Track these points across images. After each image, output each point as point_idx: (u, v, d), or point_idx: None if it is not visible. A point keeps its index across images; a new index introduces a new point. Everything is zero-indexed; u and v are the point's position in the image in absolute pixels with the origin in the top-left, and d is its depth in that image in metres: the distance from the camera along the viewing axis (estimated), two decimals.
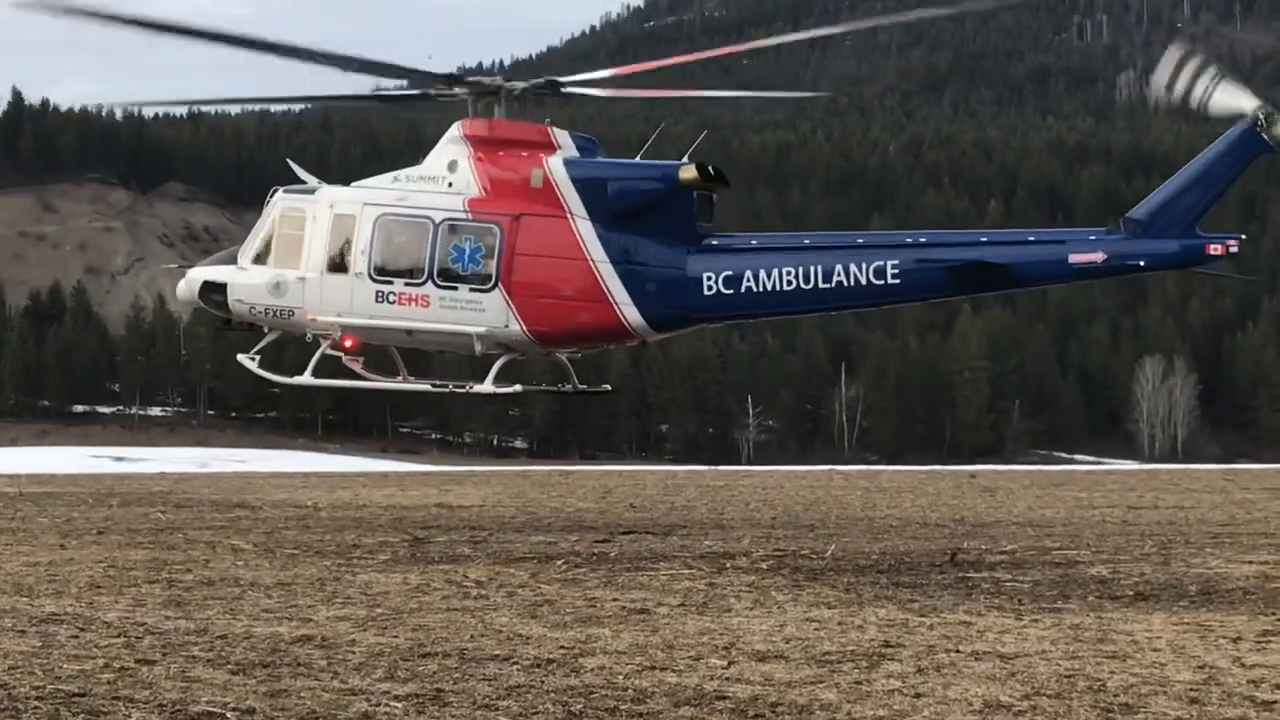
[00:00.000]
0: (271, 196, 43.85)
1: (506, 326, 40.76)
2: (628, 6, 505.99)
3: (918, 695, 18.49)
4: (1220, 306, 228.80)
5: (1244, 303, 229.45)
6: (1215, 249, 41.77)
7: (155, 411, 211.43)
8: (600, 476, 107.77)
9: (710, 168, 42.35)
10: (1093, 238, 41.94)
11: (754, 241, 42.36)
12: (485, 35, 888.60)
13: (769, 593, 29.60)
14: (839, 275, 39.61)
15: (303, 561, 36.31)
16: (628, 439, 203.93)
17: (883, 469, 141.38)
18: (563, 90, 45.05)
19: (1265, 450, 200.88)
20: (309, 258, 41.82)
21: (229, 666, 20.59)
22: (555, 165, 40.70)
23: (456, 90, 45.33)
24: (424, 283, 40.53)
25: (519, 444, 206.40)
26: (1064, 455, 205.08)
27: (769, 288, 40.10)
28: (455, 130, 42.71)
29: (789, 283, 39.92)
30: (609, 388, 57.25)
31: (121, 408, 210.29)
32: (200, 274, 43.73)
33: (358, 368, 42.32)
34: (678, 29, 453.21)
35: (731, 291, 40.00)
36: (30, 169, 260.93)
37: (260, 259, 41.99)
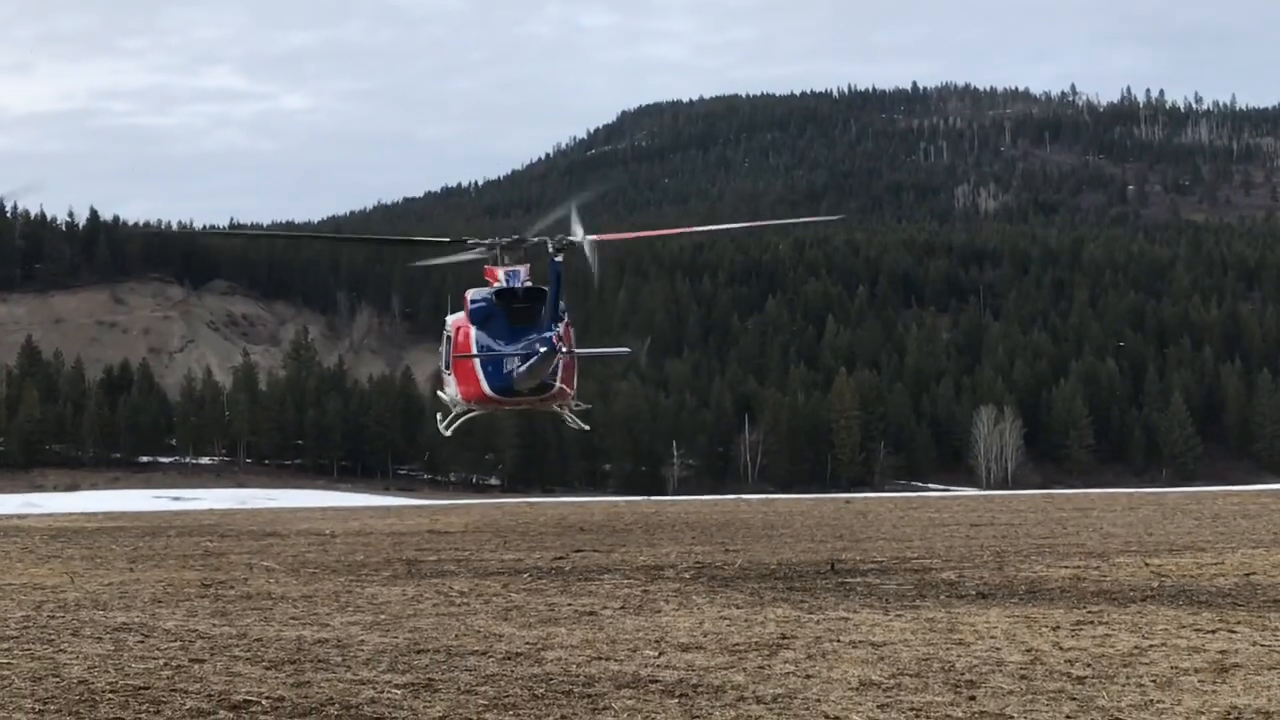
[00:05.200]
0: None
1: None
2: (574, 138, 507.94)
3: (808, 676, 18.46)
4: (1038, 367, 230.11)
5: (1056, 364, 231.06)
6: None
7: (204, 460, 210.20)
8: (557, 507, 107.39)
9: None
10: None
11: None
12: (463, 161, 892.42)
13: (690, 597, 29.53)
14: None
15: (321, 578, 36.07)
16: (579, 475, 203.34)
17: (777, 497, 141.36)
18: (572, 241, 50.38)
19: (1075, 478, 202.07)
20: None
21: (264, 663, 20.44)
22: None
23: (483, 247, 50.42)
24: None
25: (493, 481, 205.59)
26: (919, 484, 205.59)
27: None
28: None
29: None
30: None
31: (177, 458, 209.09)
32: None
33: None
34: (613, 154, 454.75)
35: None
36: (104, 271, 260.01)
37: None
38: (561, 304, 48.05)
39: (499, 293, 50.01)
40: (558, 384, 50.61)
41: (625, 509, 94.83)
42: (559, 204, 55.22)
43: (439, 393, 56.75)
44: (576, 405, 55.65)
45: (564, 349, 47.91)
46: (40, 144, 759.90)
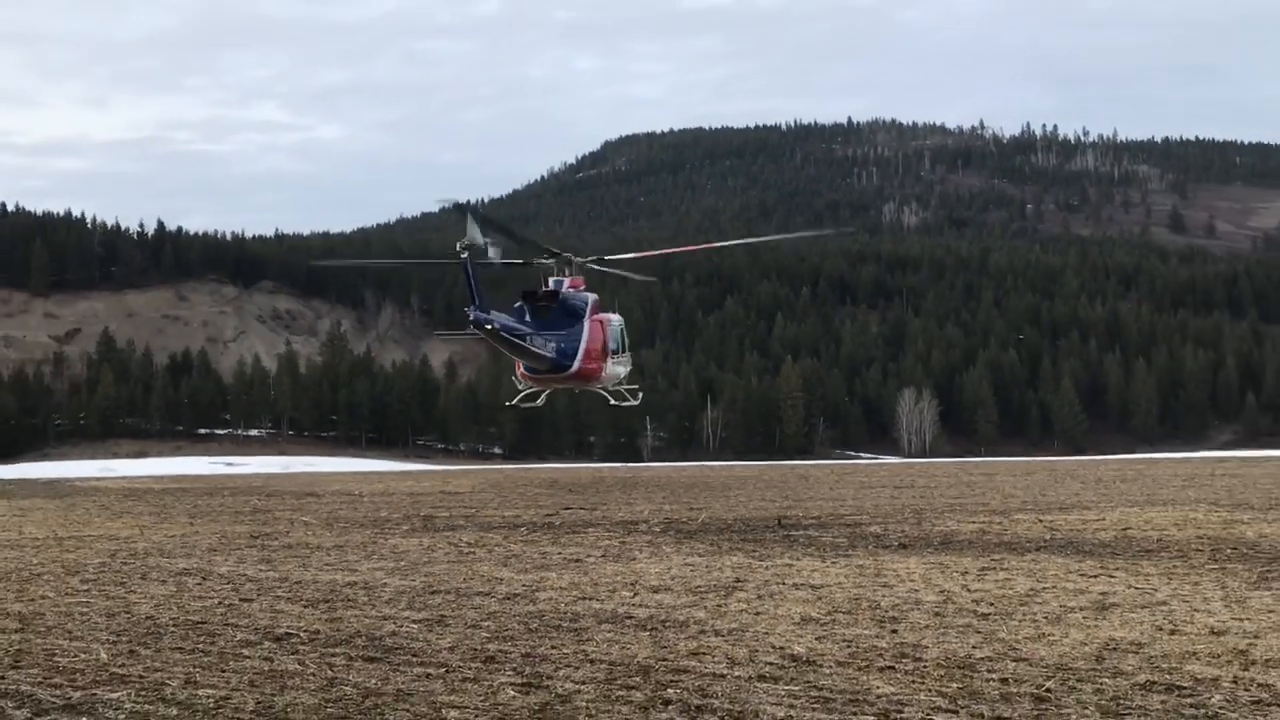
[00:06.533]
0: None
1: None
2: (565, 163, 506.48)
3: (758, 613, 18.47)
4: (952, 356, 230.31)
5: (966, 353, 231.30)
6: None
7: (253, 432, 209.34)
8: (550, 471, 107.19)
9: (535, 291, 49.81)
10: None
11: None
12: (472, 182, 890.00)
13: (661, 547, 29.54)
14: None
15: (351, 531, 35.98)
16: (569, 445, 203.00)
17: (734, 464, 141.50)
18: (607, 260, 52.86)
19: (982, 449, 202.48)
20: None
21: (302, 602, 20.39)
22: None
23: (550, 260, 51.41)
24: None
25: (496, 450, 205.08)
26: (852, 453, 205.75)
27: None
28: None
29: None
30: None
31: (231, 430, 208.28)
32: None
33: None
34: (598, 177, 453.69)
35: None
36: (169, 273, 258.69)
37: None
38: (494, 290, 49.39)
39: (524, 294, 50.41)
40: (575, 366, 50.38)
41: (607, 474, 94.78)
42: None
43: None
44: (619, 387, 55.66)
45: (494, 326, 47.89)
46: (115, 165, 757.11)
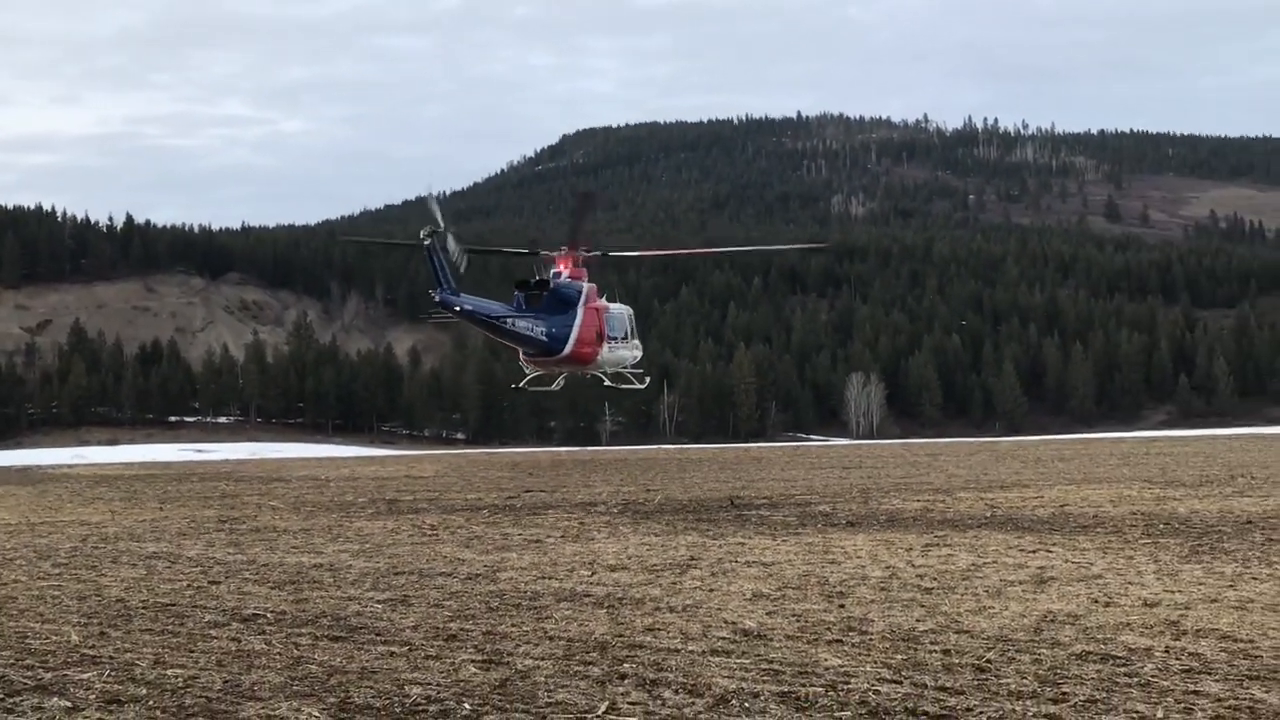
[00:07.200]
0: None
1: None
2: (523, 156, 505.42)
3: (711, 590, 18.51)
4: (898, 341, 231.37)
5: (912, 339, 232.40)
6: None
7: (222, 419, 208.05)
8: (511, 455, 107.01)
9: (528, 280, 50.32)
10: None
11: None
12: (432, 175, 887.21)
13: (618, 527, 29.54)
14: None
15: (317, 515, 35.80)
16: (530, 430, 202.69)
17: (690, 447, 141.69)
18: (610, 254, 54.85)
19: (927, 430, 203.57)
20: None
21: (269, 584, 20.29)
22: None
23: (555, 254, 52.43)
24: None
25: (460, 435, 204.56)
26: (803, 435, 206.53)
27: None
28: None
29: None
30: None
31: (200, 417, 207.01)
32: None
33: None
34: (555, 170, 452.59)
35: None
36: (138, 265, 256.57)
37: None
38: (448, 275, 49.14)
39: (517, 283, 51.39)
40: (567, 349, 51.08)
41: (566, 457, 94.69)
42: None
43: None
44: (625, 371, 56.29)
45: (462, 308, 48.23)
46: (85, 161, 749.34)
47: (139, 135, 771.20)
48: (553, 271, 51.96)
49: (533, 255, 53.79)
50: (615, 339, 54.32)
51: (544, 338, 50.80)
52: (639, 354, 56.80)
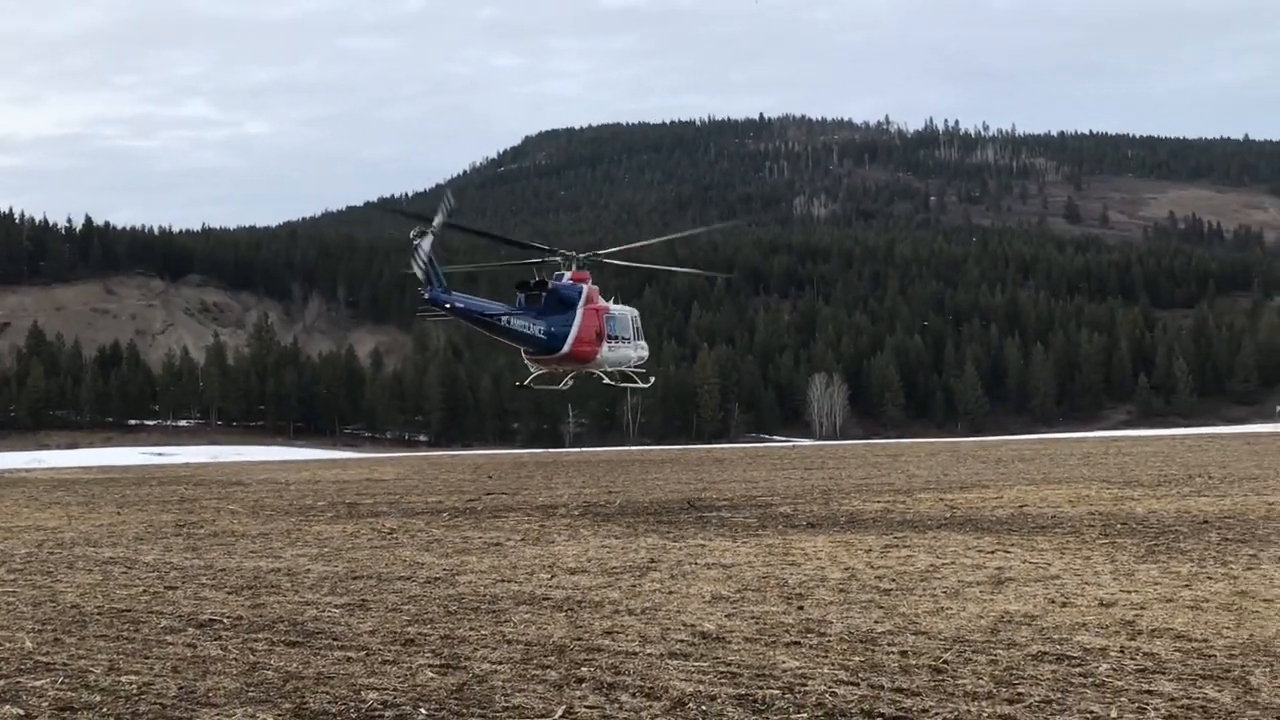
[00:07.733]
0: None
1: None
2: (487, 157, 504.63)
3: (670, 592, 18.51)
4: (860, 342, 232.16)
5: (874, 339, 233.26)
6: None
7: (182, 422, 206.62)
8: (473, 458, 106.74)
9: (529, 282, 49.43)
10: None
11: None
12: (397, 175, 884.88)
13: (579, 530, 29.52)
14: None
15: (276, 519, 35.60)
16: (493, 432, 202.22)
17: (653, 448, 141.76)
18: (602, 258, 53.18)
19: (889, 430, 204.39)
20: None
21: (226, 589, 20.16)
22: None
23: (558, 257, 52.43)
24: None
25: (422, 437, 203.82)
26: (766, 436, 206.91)
27: None
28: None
29: None
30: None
31: (160, 420, 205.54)
32: None
33: None
34: (519, 171, 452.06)
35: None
36: (98, 267, 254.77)
37: None
38: (440, 274, 49.30)
39: (518, 284, 51.90)
40: (566, 348, 51.69)
41: (528, 460, 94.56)
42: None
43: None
44: (629, 369, 56.78)
45: (453, 305, 48.61)
46: (44, 162, 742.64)
47: (99, 136, 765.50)
48: (556, 274, 52.81)
49: (549, 255, 54.58)
50: (617, 339, 55.55)
51: (542, 335, 51.66)
52: (644, 354, 57.79)
